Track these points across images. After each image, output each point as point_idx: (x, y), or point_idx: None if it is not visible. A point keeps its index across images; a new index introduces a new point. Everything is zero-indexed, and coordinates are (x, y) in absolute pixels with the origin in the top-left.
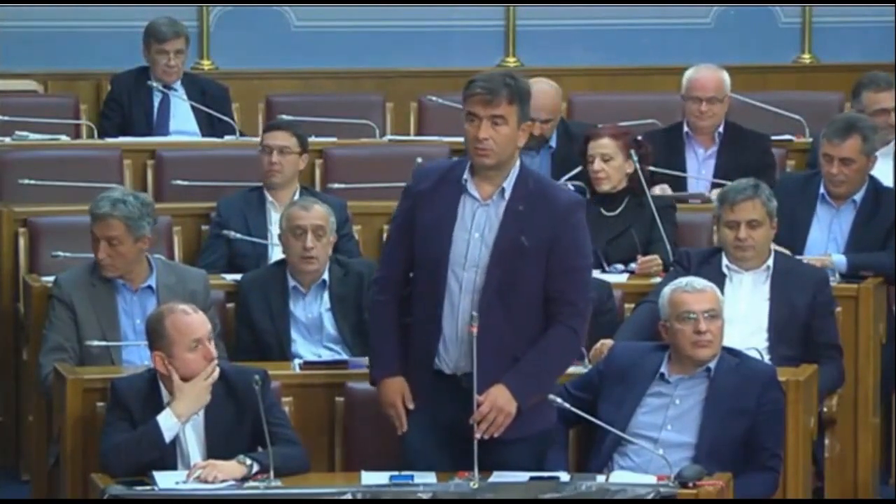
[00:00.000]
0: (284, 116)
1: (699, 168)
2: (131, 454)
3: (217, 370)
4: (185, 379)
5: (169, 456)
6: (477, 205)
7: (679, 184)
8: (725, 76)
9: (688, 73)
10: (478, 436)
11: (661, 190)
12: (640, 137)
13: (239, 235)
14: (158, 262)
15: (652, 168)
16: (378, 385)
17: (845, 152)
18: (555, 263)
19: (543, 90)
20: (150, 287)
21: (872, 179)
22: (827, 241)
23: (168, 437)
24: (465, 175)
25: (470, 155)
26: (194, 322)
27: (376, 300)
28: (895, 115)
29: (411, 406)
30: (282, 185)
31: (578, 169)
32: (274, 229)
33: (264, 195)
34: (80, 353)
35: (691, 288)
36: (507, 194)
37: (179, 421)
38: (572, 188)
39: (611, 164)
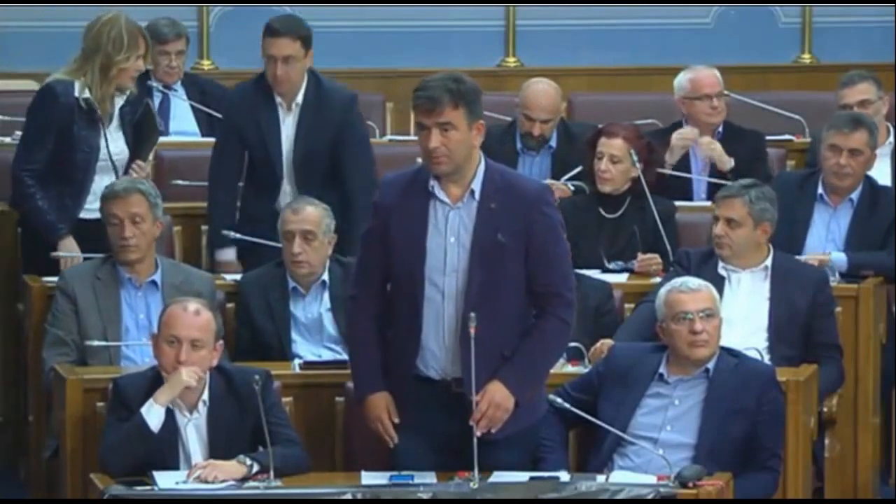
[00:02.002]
0: None
1: (700, 167)
2: (125, 451)
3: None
4: (162, 369)
5: (171, 455)
6: (448, 209)
7: (681, 184)
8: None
9: (686, 76)
10: (478, 433)
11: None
12: (651, 142)
13: (239, 236)
14: (165, 261)
15: (658, 170)
16: (363, 401)
17: (854, 143)
18: (535, 256)
19: (543, 90)
20: (154, 282)
21: (868, 178)
22: (825, 240)
23: (154, 425)
24: (432, 181)
25: (427, 164)
26: (183, 320)
27: (355, 318)
28: (884, 110)
29: (397, 420)
30: (290, 94)
31: (578, 169)
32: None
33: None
34: (81, 347)
35: (686, 288)
36: (478, 195)
37: (158, 404)
38: (572, 188)
39: (617, 167)
